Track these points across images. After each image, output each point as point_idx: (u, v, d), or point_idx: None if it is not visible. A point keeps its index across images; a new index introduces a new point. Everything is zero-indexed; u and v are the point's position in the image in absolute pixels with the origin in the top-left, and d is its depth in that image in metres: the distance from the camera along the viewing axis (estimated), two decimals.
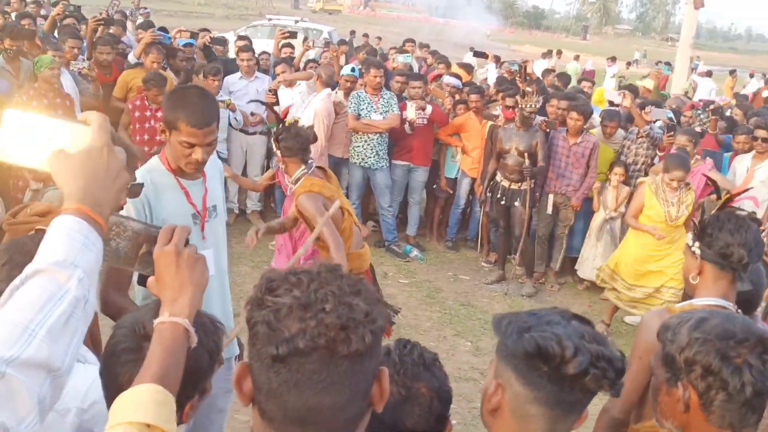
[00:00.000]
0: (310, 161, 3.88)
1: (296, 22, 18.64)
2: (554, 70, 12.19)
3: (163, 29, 8.44)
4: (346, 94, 6.86)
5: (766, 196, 5.83)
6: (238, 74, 7.14)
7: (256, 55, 7.64)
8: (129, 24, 11.70)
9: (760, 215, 5.26)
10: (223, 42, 9.09)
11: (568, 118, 6.26)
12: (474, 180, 7.06)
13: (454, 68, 9.54)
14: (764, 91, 14.02)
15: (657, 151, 6.44)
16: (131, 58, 7.33)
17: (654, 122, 6.59)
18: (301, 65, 8.00)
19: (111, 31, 8.38)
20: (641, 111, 6.60)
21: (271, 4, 46.81)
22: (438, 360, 1.56)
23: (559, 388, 1.23)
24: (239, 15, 38.67)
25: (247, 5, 46.70)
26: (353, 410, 0.98)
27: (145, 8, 16.32)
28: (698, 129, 7.14)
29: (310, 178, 3.80)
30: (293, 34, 8.75)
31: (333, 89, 6.83)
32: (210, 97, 2.60)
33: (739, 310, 2.06)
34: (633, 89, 8.12)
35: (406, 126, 6.76)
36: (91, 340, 2.00)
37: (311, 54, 9.55)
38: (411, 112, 6.73)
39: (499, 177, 6.35)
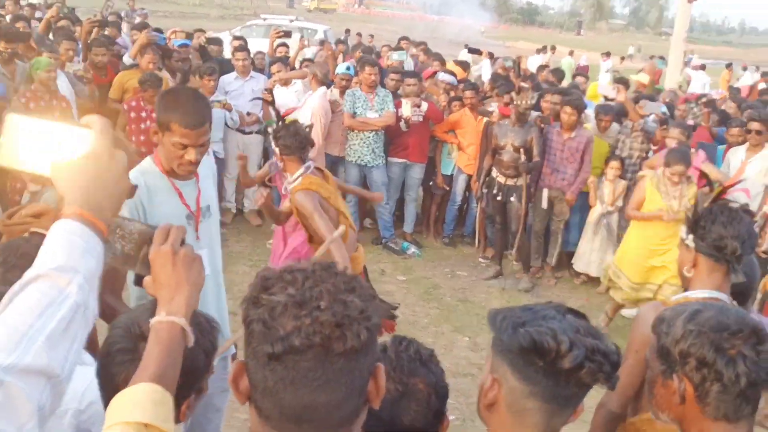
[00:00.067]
0: (308, 162, 3.89)
1: (291, 21, 18.63)
2: (548, 66, 12.20)
3: (158, 30, 8.43)
4: (342, 93, 6.86)
5: (760, 188, 5.84)
6: (234, 74, 7.14)
7: (252, 55, 7.63)
8: (124, 25, 11.67)
9: (752, 207, 5.27)
10: (219, 42, 9.08)
11: (562, 112, 6.27)
12: (470, 176, 7.06)
13: (450, 65, 9.54)
14: (760, 84, 14.04)
15: (651, 145, 6.46)
16: (126, 59, 7.32)
17: (648, 116, 6.60)
18: (297, 64, 8.00)
19: (106, 32, 8.36)
20: (635, 105, 6.60)
21: (267, 3, 46.72)
22: (434, 356, 1.56)
23: (555, 382, 1.23)
24: (234, 15, 38.57)
25: (242, 5, 46.57)
26: (349, 407, 0.99)
27: (143, 9, 16.29)
28: (691, 122, 7.16)
29: (309, 176, 3.81)
30: (288, 33, 8.74)
31: (328, 88, 6.83)
32: (202, 98, 2.60)
33: (734, 302, 2.07)
34: (623, 81, 8.12)
35: (402, 123, 6.77)
36: (88, 340, 2.00)
37: (307, 53, 9.55)
38: (406, 110, 6.74)
39: (494, 173, 6.36)
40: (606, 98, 8.18)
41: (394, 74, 7.26)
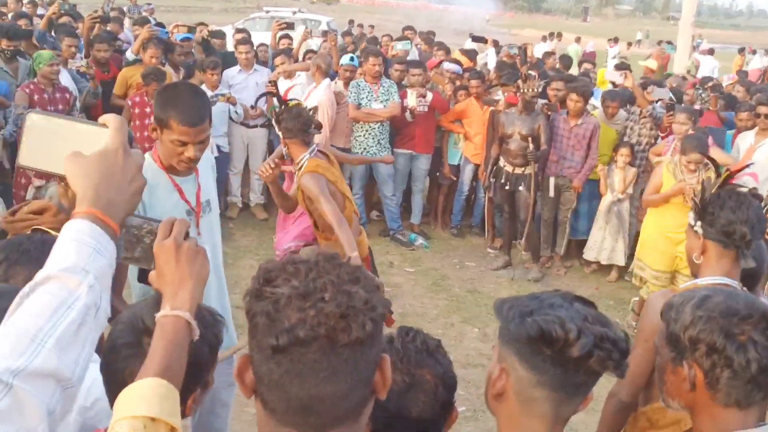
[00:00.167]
0: (313, 145, 3.85)
1: (294, 13, 18.57)
2: (554, 53, 12.13)
3: (160, 24, 8.42)
4: (346, 84, 6.84)
5: None
6: (237, 67, 7.12)
7: (255, 48, 7.61)
8: (126, 21, 11.67)
9: (761, 192, 5.20)
10: (222, 35, 9.06)
11: (569, 99, 6.23)
12: (477, 166, 7.03)
13: (456, 55, 9.48)
14: None
15: (659, 132, 6.40)
16: (129, 54, 7.32)
17: (657, 102, 6.55)
18: (300, 56, 7.97)
19: (108, 28, 8.36)
20: (644, 91, 6.55)
21: None
22: (441, 346, 1.55)
23: (564, 371, 1.22)
24: (237, 8, 38.50)
25: None
26: (355, 398, 0.98)
27: (149, 4, 16.26)
28: (698, 107, 7.09)
29: (314, 159, 3.76)
30: (290, 25, 8.71)
31: (332, 79, 6.80)
32: (202, 94, 2.57)
33: (744, 288, 2.05)
34: (624, 67, 8.03)
35: (407, 114, 6.74)
36: None
37: (312, 44, 9.51)
38: (412, 100, 6.71)
39: (502, 162, 6.33)
40: (613, 84, 8.12)
41: (398, 65, 7.22)
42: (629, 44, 23.83)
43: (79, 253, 1.06)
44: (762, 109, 5.99)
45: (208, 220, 2.73)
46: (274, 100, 3.95)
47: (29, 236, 1.74)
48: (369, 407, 1.02)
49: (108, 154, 1.16)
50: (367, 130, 6.71)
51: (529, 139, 6.08)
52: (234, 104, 6.72)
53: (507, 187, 6.29)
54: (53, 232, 1.82)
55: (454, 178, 7.30)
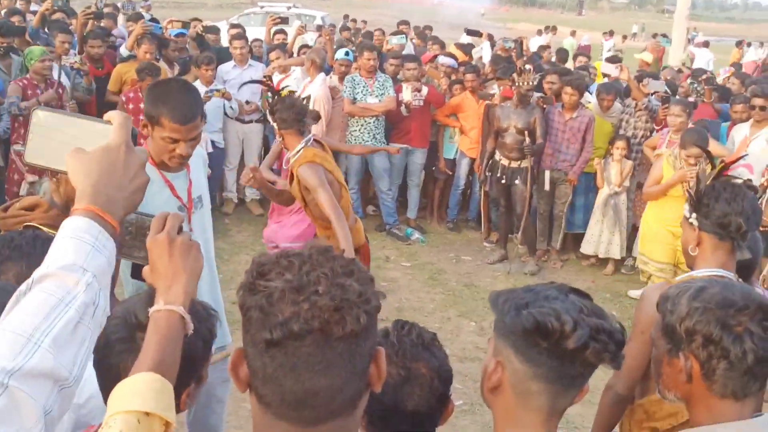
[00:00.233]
0: (309, 135, 3.83)
1: (289, 8, 18.53)
2: (549, 47, 12.12)
3: (154, 20, 8.38)
4: (341, 79, 6.82)
5: (764, 164, 5.78)
6: (232, 63, 7.10)
7: (249, 43, 7.59)
8: (120, 17, 11.61)
9: (756, 183, 5.20)
10: (216, 30, 9.02)
11: (563, 93, 6.23)
12: (473, 160, 7.03)
13: (452, 49, 9.46)
14: None
15: (654, 124, 6.40)
16: (123, 50, 7.28)
17: (652, 94, 6.55)
18: (295, 51, 7.95)
19: (101, 24, 8.31)
20: (639, 84, 6.54)
21: None
22: (437, 339, 1.55)
23: (560, 363, 1.22)
24: (231, 3, 38.36)
25: None
26: (350, 391, 0.97)
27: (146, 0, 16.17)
28: (692, 99, 7.09)
29: (310, 149, 3.75)
30: (285, 20, 8.68)
31: (327, 74, 6.78)
32: (193, 91, 2.54)
33: (740, 279, 2.05)
34: (617, 60, 8.03)
35: (403, 108, 6.73)
36: None
37: (306, 39, 9.48)
38: (407, 94, 6.69)
39: (498, 156, 6.33)
40: (608, 77, 8.12)
41: (393, 59, 7.20)
42: (624, 37, 23.86)
43: (78, 251, 1.04)
44: (757, 101, 5.98)
45: (200, 216, 2.71)
46: (269, 93, 3.93)
47: (21, 232, 1.73)
48: (364, 400, 1.02)
49: (110, 150, 1.15)
50: (362, 125, 6.69)
51: (525, 132, 6.07)
52: (229, 99, 6.69)
53: (503, 181, 6.29)
54: (45, 229, 1.81)
55: (450, 173, 7.29)
